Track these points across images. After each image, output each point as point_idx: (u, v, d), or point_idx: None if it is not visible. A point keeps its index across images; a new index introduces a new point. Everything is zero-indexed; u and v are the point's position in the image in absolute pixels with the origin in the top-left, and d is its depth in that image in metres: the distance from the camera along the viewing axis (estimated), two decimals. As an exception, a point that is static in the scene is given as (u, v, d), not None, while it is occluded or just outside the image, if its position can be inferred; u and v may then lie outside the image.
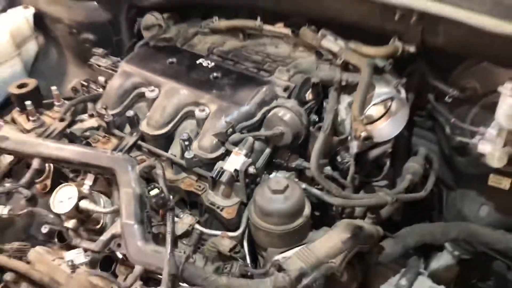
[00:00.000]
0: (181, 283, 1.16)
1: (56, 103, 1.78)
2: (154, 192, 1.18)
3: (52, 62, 2.26)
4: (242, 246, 1.38)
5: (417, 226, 1.74)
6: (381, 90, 1.56)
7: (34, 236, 1.52)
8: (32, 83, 1.82)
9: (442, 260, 2.01)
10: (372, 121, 1.61)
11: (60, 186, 1.36)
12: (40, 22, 2.19)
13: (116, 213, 1.31)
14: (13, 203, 1.49)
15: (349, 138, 1.58)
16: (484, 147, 1.51)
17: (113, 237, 1.24)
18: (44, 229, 1.42)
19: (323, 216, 1.54)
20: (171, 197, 1.24)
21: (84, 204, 1.31)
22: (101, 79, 1.84)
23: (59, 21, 2.14)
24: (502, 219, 1.79)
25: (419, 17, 1.41)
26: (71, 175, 1.54)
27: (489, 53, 1.44)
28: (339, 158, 1.59)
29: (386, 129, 1.63)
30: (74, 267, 1.21)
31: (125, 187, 1.28)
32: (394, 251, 1.62)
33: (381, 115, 1.63)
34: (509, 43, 1.29)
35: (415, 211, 1.95)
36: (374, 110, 1.62)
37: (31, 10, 2.14)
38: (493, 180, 1.74)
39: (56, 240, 1.40)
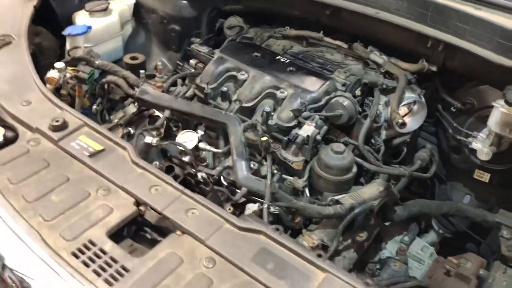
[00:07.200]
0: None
1: (158, 75, 2.23)
2: (264, 138, 1.72)
3: (140, 43, 2.71)
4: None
5: (419, 200, 2.22)
6: (409, 95, 2.11)
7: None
8: (141, 57, 2.34)
9: (429, 237, 2.53)
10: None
11: (183, 131, 1.88)
12: (137, 10, 2.67)
13: (225, 154, 1.83)
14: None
15: (382, 127, 2.10)
16: (476, 145, 2.04)
17: (226, 168, 1.76)
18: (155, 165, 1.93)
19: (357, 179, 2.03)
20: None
21: (203, 145, 1.83)
22: (192, 62, 2.33)
23: (153, 11, 2.62)
24: (479, 205, 2.30)
25: (444, 46, 1.97)
26: (174, 128, 2.07)
27: (489, 77, 2.01)
28: (373, 141, 2.10)
29: (409, 124, 2.15)
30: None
31: (234, 136, 1.80)
32: (402, 214, 2.10)
33: (405, 114, 2.21)
34: (503, 72, 1.87)
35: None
36: (401, 110, 2.20)
37: (133, 0, 2.64)
38: (477, 174, 2.28)
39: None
